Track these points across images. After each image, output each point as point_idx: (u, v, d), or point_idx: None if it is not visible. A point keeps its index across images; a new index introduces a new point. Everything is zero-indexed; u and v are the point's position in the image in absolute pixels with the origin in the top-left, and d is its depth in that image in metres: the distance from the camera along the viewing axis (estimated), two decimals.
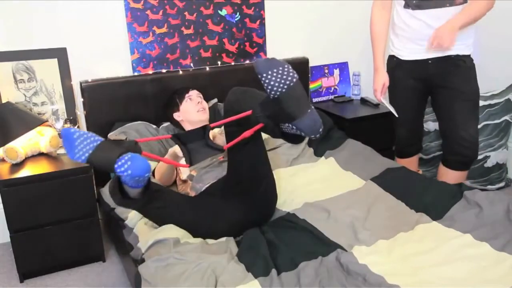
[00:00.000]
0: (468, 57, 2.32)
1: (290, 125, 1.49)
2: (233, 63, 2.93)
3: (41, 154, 2.37)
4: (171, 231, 1.79)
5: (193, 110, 2.42)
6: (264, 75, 1.42)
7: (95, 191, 2.32)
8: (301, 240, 1.76)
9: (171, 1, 2.69)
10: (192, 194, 2.09)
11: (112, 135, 2.50)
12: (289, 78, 1.44)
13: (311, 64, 3.15)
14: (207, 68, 2.83)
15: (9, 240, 2.22)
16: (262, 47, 2.99)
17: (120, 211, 2.08)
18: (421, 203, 1.97)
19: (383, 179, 2.18)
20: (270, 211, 1.98)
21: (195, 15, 2.76)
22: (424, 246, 1.70)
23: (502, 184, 3.04)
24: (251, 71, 2.94)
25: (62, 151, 2.37)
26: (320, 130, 1.49)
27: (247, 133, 1.63)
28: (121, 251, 2.19)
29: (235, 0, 2.83)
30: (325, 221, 1.88)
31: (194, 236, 1.82)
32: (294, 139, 1.62)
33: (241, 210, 1.86)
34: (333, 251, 1.68)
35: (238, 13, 2.87)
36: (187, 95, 2.44)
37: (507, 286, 1.45)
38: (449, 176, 2.43)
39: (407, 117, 2.49)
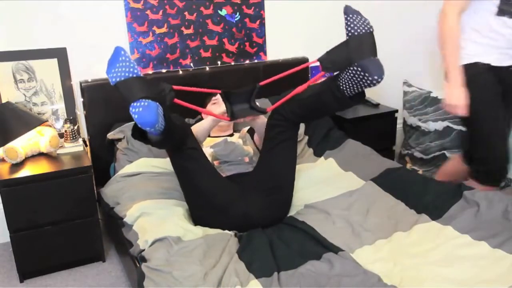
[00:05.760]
0: None
1: (355, 68, 1.64)
2: (233, 63, 2.93)
3: (41, 154, 2.37)
4: (171, 228, 1.79)
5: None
6: (350, 15, 1.66)
7: (95, 191, 2.32)
8: (301, 241, 1.77)
9: (171, 1, 2.69)
10: None
11: (110, 135, 2.52)
12: (368, 27, 1.67)
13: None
14: (207, 68, 2.83)
15: (9, 240, 2.22)
16: (262, 47, 2.99)
17: (119, 209, 2.08)
18: (421, 203, 1.97)
19: (383, 179, 2.18)
20: (283, 215, 2.00)
21: (195, 15, 2.76)
22: (422, 246, 1.70)
23: (502, 184, 3.04)
24: (251, 71, 2.97)
25: (62, 151, 2.38)
26: (383, 76, 1.65)
27: (300, 88, 1.77)
28: (121, 251, 2.19)
29: (235, 0, 2.84)
30: (325, 222, 1.88)
31: (205, 211, 1.87)
32: (354, 97, 1.77)
33: (258, 206, 1.90)
34: (331, 252, 1.68)
35: (238, 13, 2.87)
36: (214, 97, 2.41)
37: (506, 286, 1.45)
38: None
39: (502, 126, 2.17)
